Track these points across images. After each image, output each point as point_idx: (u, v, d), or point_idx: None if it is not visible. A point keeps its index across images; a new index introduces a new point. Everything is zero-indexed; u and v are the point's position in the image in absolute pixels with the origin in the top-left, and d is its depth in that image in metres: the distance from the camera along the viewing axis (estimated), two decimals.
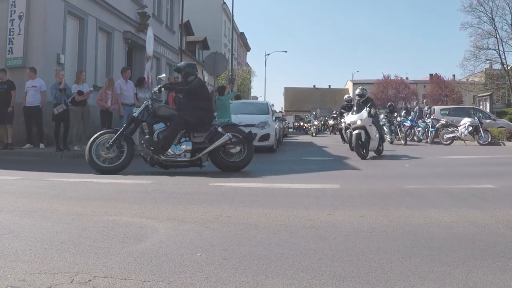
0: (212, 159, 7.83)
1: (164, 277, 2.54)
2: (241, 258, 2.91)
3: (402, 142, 16.79)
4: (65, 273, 2.58)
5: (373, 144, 10.68)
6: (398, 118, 18.09)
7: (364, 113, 10.61)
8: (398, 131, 17.62)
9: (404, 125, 18.09)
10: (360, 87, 12.24)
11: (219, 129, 7.73)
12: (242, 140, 7.92)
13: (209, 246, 3.16)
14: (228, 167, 7.82)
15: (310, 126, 31.73)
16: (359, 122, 10.59)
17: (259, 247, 3.16)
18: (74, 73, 12.73)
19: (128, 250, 3.05)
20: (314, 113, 35.09)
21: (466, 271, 2.67)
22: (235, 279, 2.53)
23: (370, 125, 10.58)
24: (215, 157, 7.80)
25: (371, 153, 10.95)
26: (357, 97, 11.87)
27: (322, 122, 34.08)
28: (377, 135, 10.82)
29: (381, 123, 26.52)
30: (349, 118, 11.21)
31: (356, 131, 10.47)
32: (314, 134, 28.23)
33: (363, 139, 10.40)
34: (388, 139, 16.99)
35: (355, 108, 11.21)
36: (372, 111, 10.82)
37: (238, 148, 7.87)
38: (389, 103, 20.20)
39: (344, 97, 17.14)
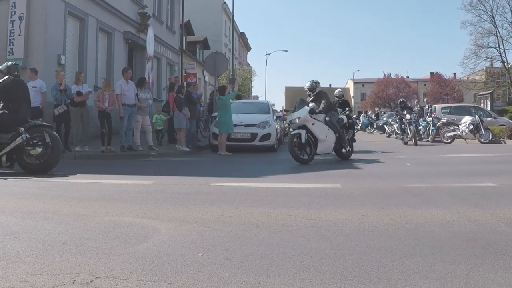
0: (17, 160, 7.51)
1: (166, 277, 2.55)
2: (243, 258, 2.91)
3: (413, 142, 15.22)
4: (67, 274, 2.58)
5: (323, 146, 9.28)
6: (408, 116, 16.14)
7: (304, 109, 9.26)
8: (408, 131, 15.84)
9: (412, 124, 15.97)
10: (311, 80, 10.39)
11: (21, 130, 7.34)
12: (45, 142, 7.47)
13: (210, 246, 3.17)
14: (28, 168, 7.43)
15: None
16: (297, 121, 9.29)
17: (261, 247, 3.16)
18: (75, 74, 12.73)
19: (130, 251, 3.05)
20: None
21: (468, 269, 2.67)
22: (237, 279, 2.53)
23: (313, 124, 9.17)
24: (18, 159, 7.48)
25: (331, 155, 10.13)
26: (307, 92, 10.36)
27: None
28: (329, 135, 9.40)
29: (382, 122, 26.45)
30: (290, 116, 10.12)
31: (296, 131, 9.21)
32: None
33: (303, 140, 9.00)
34: (400, 139, 16.55)
35: (296, 104, 9.83)
36: (321, 107, 9.41)
37: (38, 150, 7.42)
38: (400, 99, 18.43)
39: (335, 92, 14.65)
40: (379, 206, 4.57)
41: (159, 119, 14.25)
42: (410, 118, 15.98)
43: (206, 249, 3.10)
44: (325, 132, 9.35)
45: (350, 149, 10.33)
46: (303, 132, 9.07)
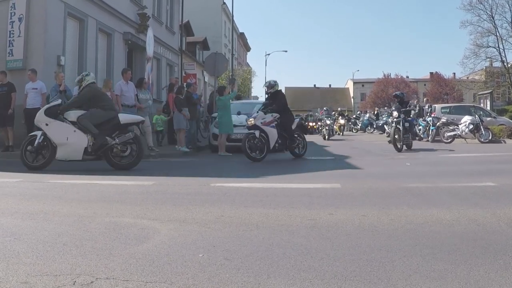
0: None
1: (166, 278, 2.55)
2: (243, 258, 2.91)
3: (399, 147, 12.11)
4: (67, 275, 2.58)
5: (64, 150, 8.05)
6: (395, 113, 13.12)
7: (42, 109, 8.48)
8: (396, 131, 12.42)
9: (400, 123, 12.55)
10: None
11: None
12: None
13: (211, 247, 3.17)
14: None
15: (321, 126, 24.24)
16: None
17: (261, 247, 3.16)
18: (75, 75, 12.72)
19: (130, 252, 3.05)
20: (326, 109, 25.51)
21: (468, 269, 2.67)
22: (237, 279, 2.53)
23: (47, 124, 8.01)
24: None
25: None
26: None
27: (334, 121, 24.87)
28: (74, 138, 8.02)
29: (382, 122, 26.35)
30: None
31: (33, 133, 8.50)
32: (326, 137, 20.62)
33: (35, 144, 8.04)
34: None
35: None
36: (65, 104, 8.54)
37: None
38: (395, 93, 14.87)
39: (265, 84, 11.67)
40: (379, 206, 4.57)
41: (160, 119, 14.24)
42: (398, 117, 12.75)
43: (206, 249, 3.10)
44: (67, 134, 7.98)
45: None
46: (38, 133, 8.09)
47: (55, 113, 8.06)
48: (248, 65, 57.88)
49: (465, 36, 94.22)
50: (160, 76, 22.32)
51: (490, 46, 38.10)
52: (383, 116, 30.36)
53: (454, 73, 59.06)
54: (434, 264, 2.77)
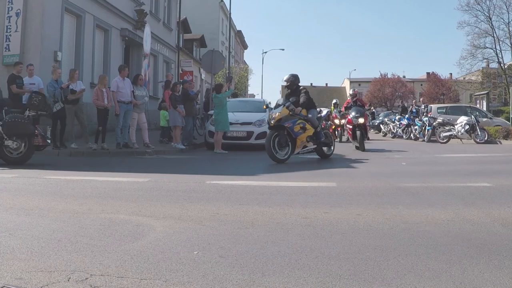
0: None
1: (160, 275, 2.54)
2: (238, 256, 2.91)
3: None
4: (61, 271, 2.58)
5: None
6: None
7: None
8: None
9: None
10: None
11: None
12: None
13: (205, 244, 3.17)
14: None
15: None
16: None
17: (256, 245, 3.16)
18: (69, 71, 12.66)
19: (125, 248, 3.05)
20: (335, 101, 19.55)
21: (462, 269, 2.68)
22: (232, 277, 2.53)
23: None
24: None
25: None
26: None
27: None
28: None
29: (378, 121, 26.39)
30: None
31: None
32: (340, 140, 16.97)
33: None
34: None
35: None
36: None
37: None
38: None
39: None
40: (374, 205, 4.58)
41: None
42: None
43: (201, 247, 3.10)
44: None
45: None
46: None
47: None
48: (245, 63, 57.84)
49: (462, 37, 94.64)
50: (157, 73, 22.27)
51: (487, 47, 38.16)
52: (379, 115, 30.45)
53: (451, 74, 59.25)
54: (428, 263, 2.78)
